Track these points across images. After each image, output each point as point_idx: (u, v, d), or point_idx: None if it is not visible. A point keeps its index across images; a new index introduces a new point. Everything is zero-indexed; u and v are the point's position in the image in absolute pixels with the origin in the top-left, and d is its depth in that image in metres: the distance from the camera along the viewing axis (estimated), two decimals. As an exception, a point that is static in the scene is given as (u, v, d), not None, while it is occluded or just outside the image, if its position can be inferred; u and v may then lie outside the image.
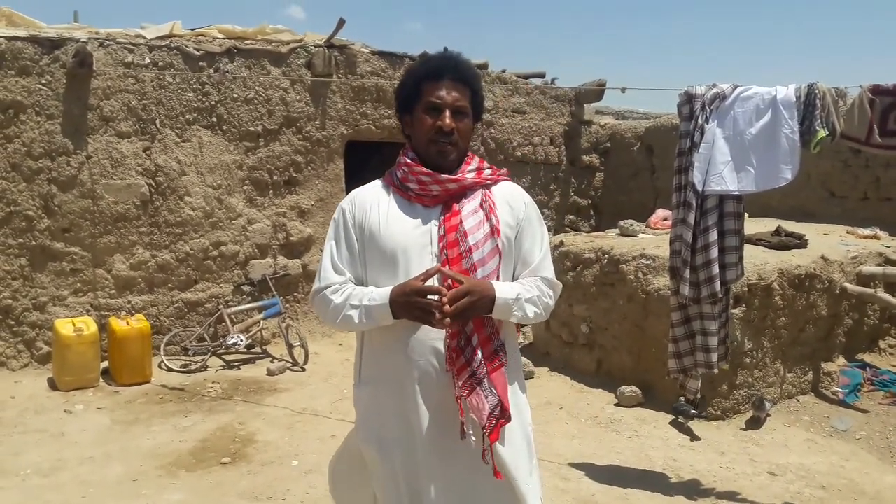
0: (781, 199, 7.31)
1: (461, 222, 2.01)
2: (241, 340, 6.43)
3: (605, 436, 4.79)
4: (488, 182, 2.11)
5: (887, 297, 5.52)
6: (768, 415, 4.96)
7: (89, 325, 5.82)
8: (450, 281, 1.94)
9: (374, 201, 2.10)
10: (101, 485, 4.04)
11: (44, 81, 6.05)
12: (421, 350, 1.98)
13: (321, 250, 7.77)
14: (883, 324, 6.10)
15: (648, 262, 5.44)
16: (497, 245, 2.02)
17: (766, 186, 3.78)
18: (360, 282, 2.08)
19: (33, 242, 6.10)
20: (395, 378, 2.02)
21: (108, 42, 6.31)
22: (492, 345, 2.01)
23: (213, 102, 6.70)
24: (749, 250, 5.39)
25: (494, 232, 2.02)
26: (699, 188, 3.76)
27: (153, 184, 6.51)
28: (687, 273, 3.88)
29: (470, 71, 2.10)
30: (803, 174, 4.50)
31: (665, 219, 6.66)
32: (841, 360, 5.67)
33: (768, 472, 4.24)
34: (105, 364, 6.00)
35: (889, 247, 6.12)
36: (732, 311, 4.79)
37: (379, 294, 1.96)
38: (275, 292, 6.79)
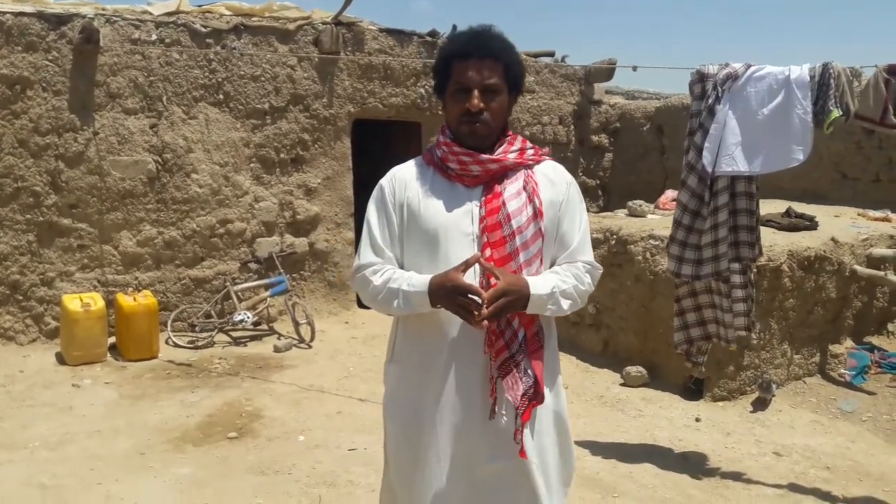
0: (792, 180, 7.23)
1: (504, 204, 1.97)
2: (248, 317, 6.45)
3: (611, 415, 4.80)
4: (530, 162, 2.06)
5: (897, 279, 5.48)
6: (773, 396, 4.95)
7: (97, 301, 5.85)
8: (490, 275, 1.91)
9: (413, 179, 2.06)
10: (109, 458, 4.07)
11: (50, 57, 6.03)
12: (458, 331, 1.96)
13: (328, 229, 7.78)
14: (892, 307, 6.06)
15: (657, 243, 5.41)
16: (540, 228, 1.98)
17: (777, 167, 3.74)
18: (399, 261, 2.05)
19: (41, 218, 6.12)
20: (428, 357, 2.00)
21: (115, 18, 6.27)
22: (533, 327, 1.99)
23: (219, 79, 6.66)
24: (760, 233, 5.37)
25: (537, 215, 1.98)
26: (709, 169, 3.73)
27: (160, 161, 6.50)
28: (686, 252, 3.87)
29: (500, 45, 2.00)
30: (815, 155, 4.45)
31: (674, 200, 6.61)
32: (849, 343, 5.65)
33: (774, 452, 4.24)
34: (112, 339, 6.04)
35: (900, 229, 6.06)
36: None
37: (418, 281, 1.92)
38: (281, 270, 6.80)
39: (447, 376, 1.98)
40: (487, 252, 1.94)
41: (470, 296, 1.84)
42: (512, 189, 2.00)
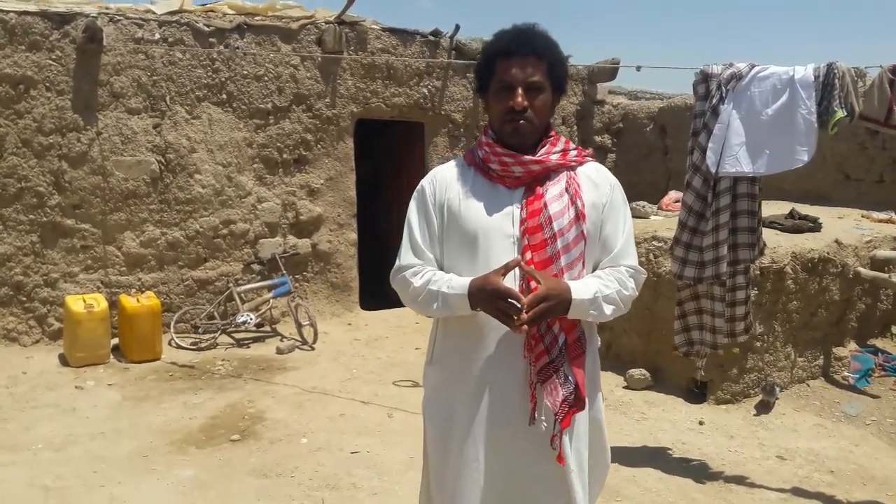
0: (795, 181, 7.21)
1: (545, 206, 1.95)
2: (251, 319, 6.45)
3: (614, 418, 4.78)
4: (573, 163, 2.03)
5: (901, 281, 5.46)
6: (777, 399, 4.93)
7: (100, 302, 5.85)
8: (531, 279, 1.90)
9: (454, 180, 2.05)
10: (112, 460, 4.07)
11: (54, 57, 6.04)
12: (498, 335, 1.95)
13: (331, 230, 7.76)
14: (896, 309, 6.04)
15: (660, 245, 5.39)
16: (582, 231, 1.96)
17: (781, 168, 3.72)
18: (439, 262, 2.04)
19: (44, 219, 6.12)
20: (468, 360, 1.99)
21: (118, 17, 6.28)
22: (574, 332, 1.97)
23: (223, 79, 6.66)
24: (762, 233, 5.35)
25: (580, 217, 1.96)
26: (713, 169, 3.72)
27: (163, 161, 6.50)
28: (690, 254, 3.86)
29: (545, 43, 1.98)
30: (818, 156, 4.41)
31: (677, 201, 6.60)
32: (852, 345, 5.63)
33: (777, 456, 4.22)
34: (115, 341, 6.04)
35: (904, 231, 6.05)
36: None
37: (458, 283, 1.92)
38: (284, 271, 6.80)
39: (486, 380, 1.97)
40: (528, 255, 1.92)
41: (510, 300, 1.82)
42: (554, 191, 1.98)
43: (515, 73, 1.94)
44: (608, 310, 1.94)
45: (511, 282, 1.90)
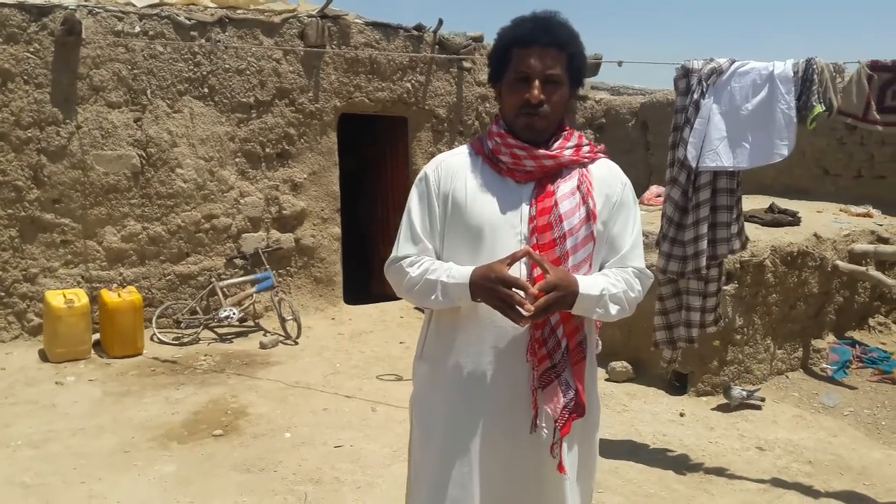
0: (775, 176, 7.30)
1: (556, 205, 1.86)
2: (234, 314, 6.41)
3: (596, 410, 4.81)
4: (586, 160, 1.94)
5: (878, 274, 5.55)
6: (747, 402, 4.83)
7: (80, 297, 5.79)
8: (537, 269, 1.79)
9: (461, 170, 1.94)
10: (93, 456, 4.04)
11: (32, 49, 5.96)
12: (498, 336, 1.87)
13: (314, 224, 7.71)
14: (873, 301, 6.13)
15: (643, 239, 5.42)
16: (592, 231, 1.88)
17: (761, 162, 3.76)
18: (439, 254, 1.94)
19: (23, 213, 6.05)
20: (464, 361, 1.90)
21: (97, 10, 6.20)
22: (577, 337, 1.89)
23: (204, 73, 6.61)
24: (744, 226, 5.41)
25: (590, 217, 1.88)
26: (693, 164, 3.74)
27: (144, 155, 6.44)
28: (674, 249, 3.89)
29: (566, 33, 1.88)
30: (798, 151, 4.45)
31: (659, 195, 6.65)
32: (831, 338, 5.71)
33: (756, 447, 4.28)
34: (96, 336, 5.99)
35: (881, 225, 6.14)
36: (724, 287, 4.80)
37: (459, 272, 1.82)
38: (267, 266, 6.77)
39: (484, 383, 1.88)
40: (535, 254, 1.82)
41: (514, 290, 1.73)
42: (565, 188, 1.89)
43: (533, 64, 1.83)
44: (613, 309, 1.86)
45: (516, 274, 1.80)
